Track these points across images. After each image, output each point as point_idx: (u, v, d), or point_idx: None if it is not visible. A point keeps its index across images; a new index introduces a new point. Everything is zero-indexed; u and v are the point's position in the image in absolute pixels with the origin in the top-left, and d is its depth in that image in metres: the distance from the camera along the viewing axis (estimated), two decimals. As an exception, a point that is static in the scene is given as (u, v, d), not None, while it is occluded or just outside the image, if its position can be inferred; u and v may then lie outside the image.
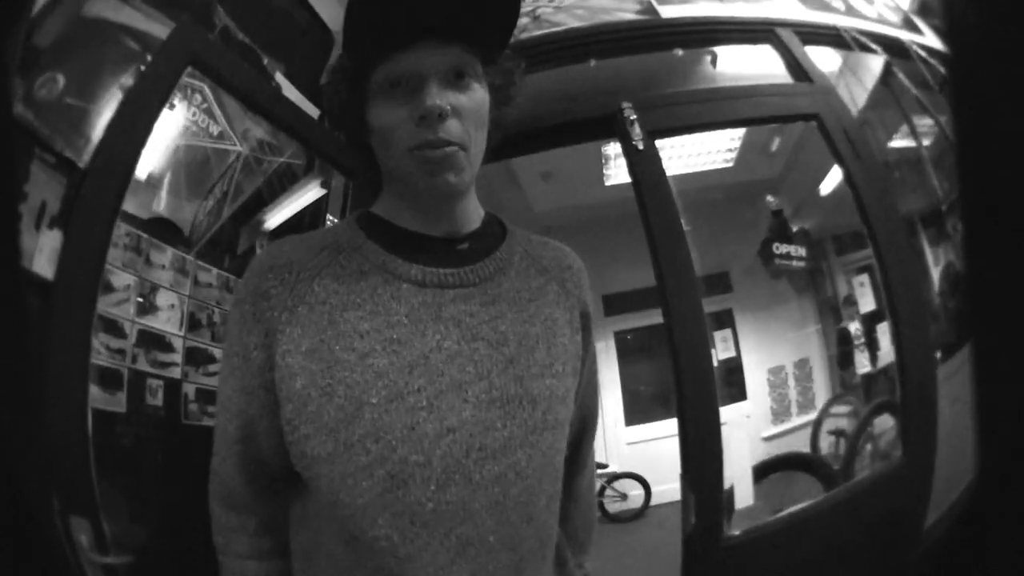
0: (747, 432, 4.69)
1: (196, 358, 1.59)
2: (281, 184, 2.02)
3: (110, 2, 1.37)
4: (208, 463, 0.83)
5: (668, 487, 4.82)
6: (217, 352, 1.61)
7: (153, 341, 1.48)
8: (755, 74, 2.18)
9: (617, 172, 4.46)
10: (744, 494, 2.00)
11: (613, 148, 4.18)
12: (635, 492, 5.14)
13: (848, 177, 1.94)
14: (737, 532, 1.72)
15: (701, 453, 1.69)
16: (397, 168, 0.72)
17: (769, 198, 2.38)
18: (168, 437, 1.45)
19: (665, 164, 4.53)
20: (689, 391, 1.71)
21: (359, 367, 0.67)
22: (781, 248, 2.21)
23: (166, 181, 1.65)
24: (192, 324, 1.64)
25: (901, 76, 2.07)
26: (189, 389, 1.55)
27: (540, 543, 0.74)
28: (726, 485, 1.73)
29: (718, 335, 5.57)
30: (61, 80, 1.24)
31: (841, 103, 2.03)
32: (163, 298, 1.55)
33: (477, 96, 0.70)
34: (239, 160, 1.85)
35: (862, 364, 2.26)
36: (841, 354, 3.77)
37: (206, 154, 1.78)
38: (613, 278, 5.24)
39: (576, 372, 0.82)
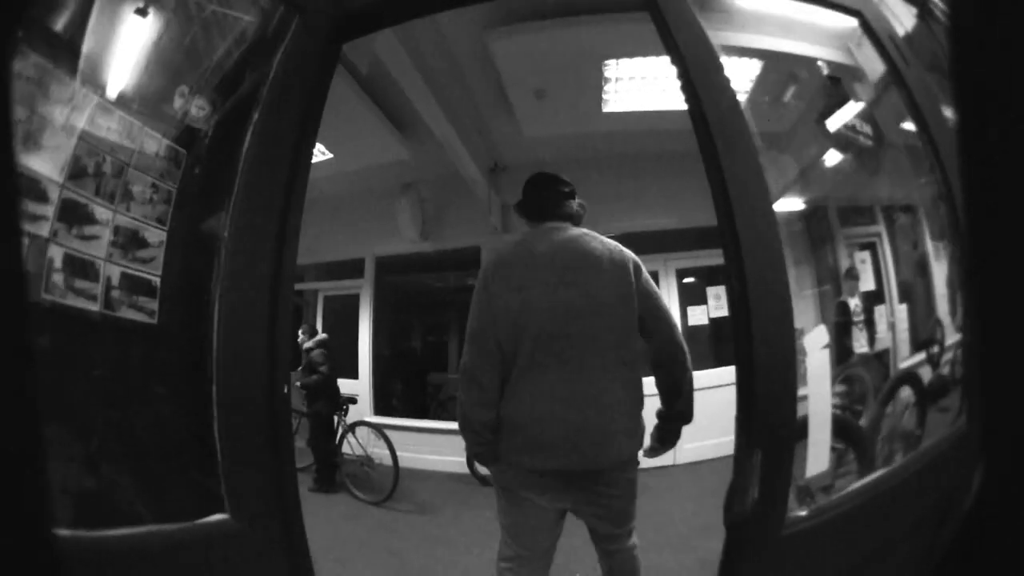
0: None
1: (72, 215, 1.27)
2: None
3: None
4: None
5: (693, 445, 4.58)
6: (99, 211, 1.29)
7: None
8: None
9: (616, 98, 4.08)
10: (820, 456, 1.36)
11: (614, 69, 3.81)
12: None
13: (899, 78, 1.69)
14: (804, 512, 1.20)
15: (770, 397, 1.13)
16: None
17: (820, 62, 1.97)
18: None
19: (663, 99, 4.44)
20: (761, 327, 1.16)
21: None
22: (846, 118, 1.77)
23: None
24: (76, 172, 1.27)
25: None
26: (56, 253, 1.22)
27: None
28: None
29: (710, 291, 5.35)
30: None
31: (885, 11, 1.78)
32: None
33: None
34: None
35: (862, 342, 1.84)
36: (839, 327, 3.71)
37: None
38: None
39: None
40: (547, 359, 1.65)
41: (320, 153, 4.74)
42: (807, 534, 1.10)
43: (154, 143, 1.37)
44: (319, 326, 6.03)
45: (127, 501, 1.14)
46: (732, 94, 1.30)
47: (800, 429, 1.23)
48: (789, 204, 1.73)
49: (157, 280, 1.30)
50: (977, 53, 0.50)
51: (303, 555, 1.16)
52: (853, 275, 1.91)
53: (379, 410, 5.48)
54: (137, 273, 1.29)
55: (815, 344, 1.50)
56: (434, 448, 4.94)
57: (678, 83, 1.31)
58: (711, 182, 1.25)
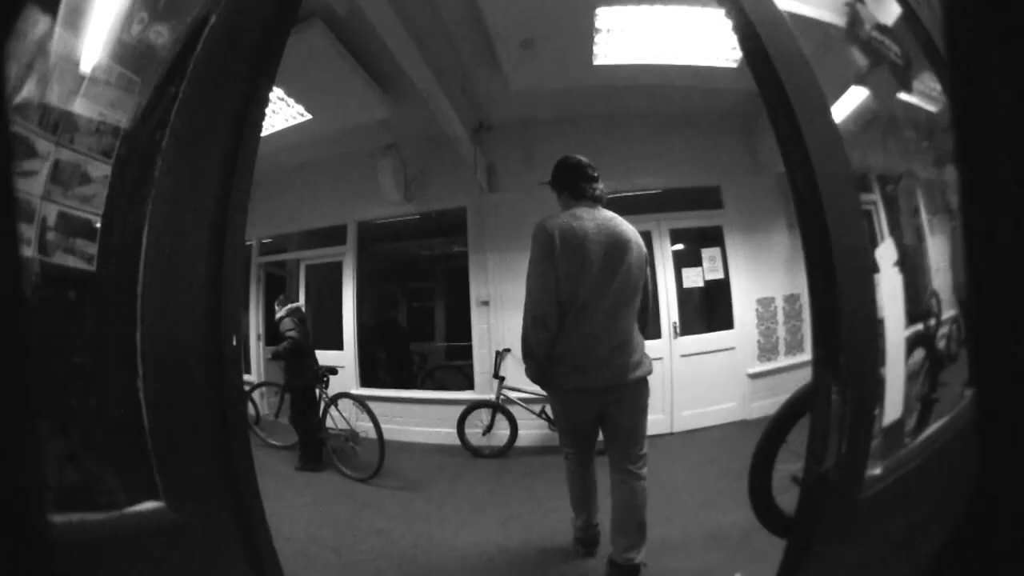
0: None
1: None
2: None
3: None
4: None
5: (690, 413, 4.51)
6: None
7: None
8: None
9: (608, 51, 3.86)
10: (897, 399, 1.21)
11: (604, 18, 3.59)
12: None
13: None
14: (878, 469, 1.04)
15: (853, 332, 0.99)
16: None
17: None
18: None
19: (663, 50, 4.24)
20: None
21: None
22: (873, 29, 1.63)
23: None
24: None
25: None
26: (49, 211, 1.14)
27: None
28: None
29: (705, 253, 5.21)
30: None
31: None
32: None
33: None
34: None
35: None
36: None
37: None
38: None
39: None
40: (593, 310, 2.40)
41: (299, 116, 4.52)
42: (886, 496, 0.93)
43: (106, 71, 1.20)
44: (301, 296, 5.75)
45: (50, 485, 0.96)
46: (797, 46, 1.26)
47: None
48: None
49: (97, 220, 1.12)
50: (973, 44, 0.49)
51: (263, 548, 0.98)
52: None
53: (365, 382, 5.31)
54: (76, 213, 1.13)
55: (887, 259, 1.33)
56: (423, 420, 4.80)
57: (736, 36, 1.36)
58: (779, 133, 1.15)
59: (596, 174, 2.64)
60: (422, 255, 6.71)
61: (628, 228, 2.56)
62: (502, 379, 4.46)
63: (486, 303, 4.98)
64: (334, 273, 5.65)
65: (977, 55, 0.49)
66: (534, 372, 2.50)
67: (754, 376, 4.68)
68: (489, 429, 4.36)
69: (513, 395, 4.36)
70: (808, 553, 0.97)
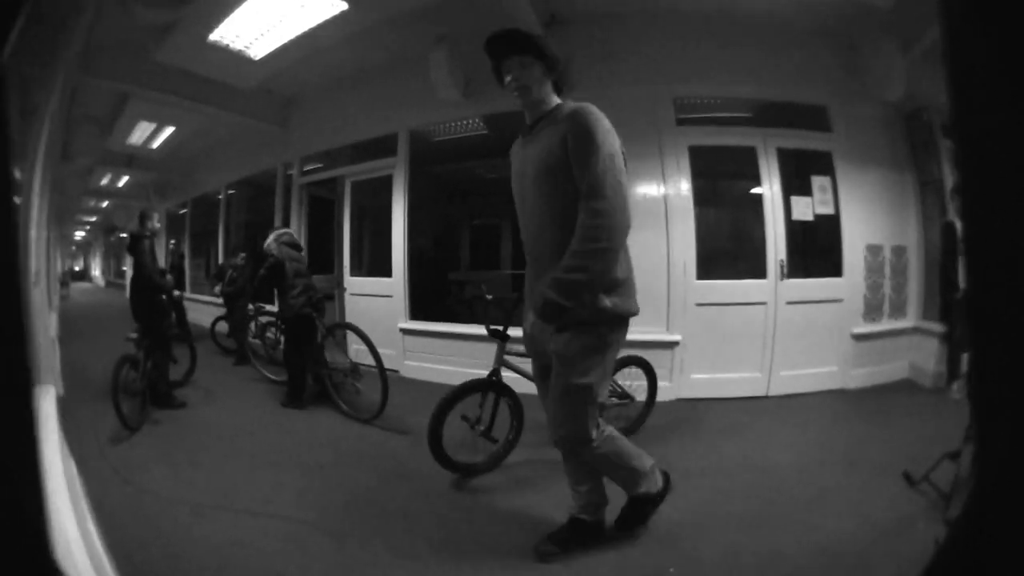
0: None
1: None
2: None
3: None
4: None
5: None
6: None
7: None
8: None
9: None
10: None
11: None
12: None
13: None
14: None
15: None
16: None
17: None
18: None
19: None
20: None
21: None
22: None
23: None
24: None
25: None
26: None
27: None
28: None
29: (815, 181, 4.23)
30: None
31: None
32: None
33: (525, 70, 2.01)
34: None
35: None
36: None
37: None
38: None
39: (560, 162, 1.93)
40: None
41: (332, 5, 3.90)
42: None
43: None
44: (345, 218, 5.63)
45: None
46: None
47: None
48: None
49: None
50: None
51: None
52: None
53: (415, 315, 4.81)
54: None
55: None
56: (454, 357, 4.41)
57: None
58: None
59: None
60: (488, 179, 6.10)
61: None
62: (506, 338, 2.96)
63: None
64: (383, 189, 5.17)
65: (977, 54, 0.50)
66: (620, 303, 1.99)
67: (858, 338, 3.99)
68: (488, 428, 2.93)
69: (523, 363, 2.85)
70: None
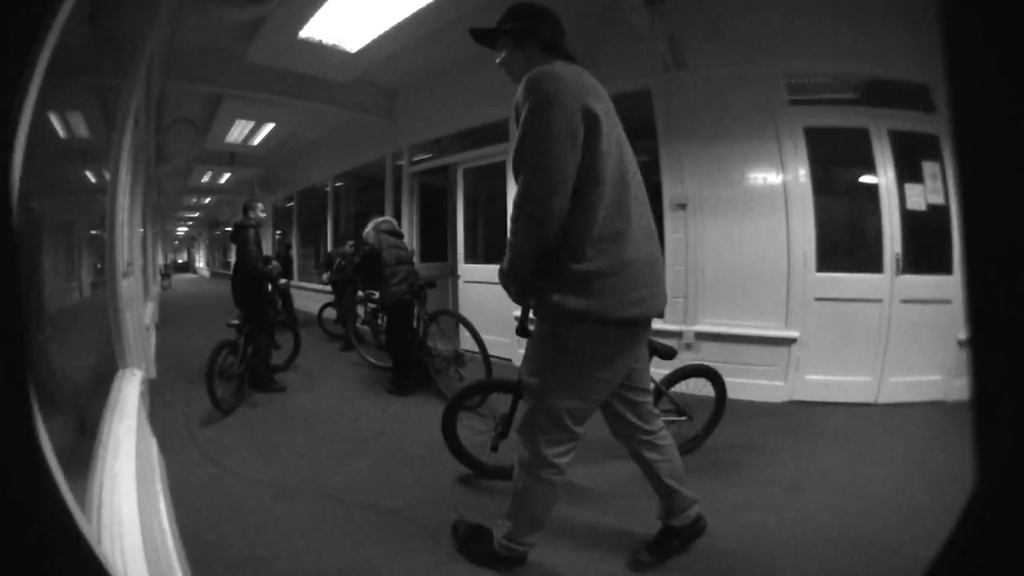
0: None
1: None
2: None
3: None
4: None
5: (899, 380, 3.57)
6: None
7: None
8: None
9: None
10: None
11: None
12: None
13: None
14: None
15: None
16: None
17: None
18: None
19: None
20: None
21: None
22: None
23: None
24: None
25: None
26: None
27: None
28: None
29: (926, 167, 3.82)
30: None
31: None
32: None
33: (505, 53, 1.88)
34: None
35: None
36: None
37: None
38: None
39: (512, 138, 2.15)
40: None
41: None
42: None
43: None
44: (459, 203, 5.73)
45: None
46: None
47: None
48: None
49: None
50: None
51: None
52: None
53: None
54: None
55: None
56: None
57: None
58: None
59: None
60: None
61: None
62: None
63: (683, 206, 3.99)
64: (496, 176, 5.21)
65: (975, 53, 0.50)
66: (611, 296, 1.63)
67: (965, 345, 3.51)
68: (501, 437, 2.59)
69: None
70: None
